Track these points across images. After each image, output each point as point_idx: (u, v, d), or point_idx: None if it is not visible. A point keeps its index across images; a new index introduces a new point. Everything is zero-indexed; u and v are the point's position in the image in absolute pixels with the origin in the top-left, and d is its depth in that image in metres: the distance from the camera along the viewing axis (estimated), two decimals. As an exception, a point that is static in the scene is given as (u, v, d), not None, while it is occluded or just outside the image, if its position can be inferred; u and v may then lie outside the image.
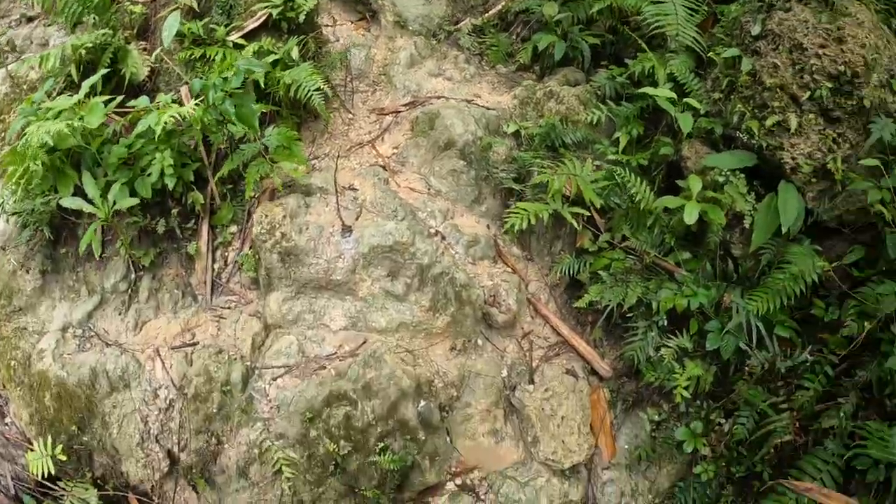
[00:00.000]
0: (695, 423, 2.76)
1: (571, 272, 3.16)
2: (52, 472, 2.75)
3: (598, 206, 3.08)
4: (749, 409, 2.67)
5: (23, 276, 3.09)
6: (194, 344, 2.87)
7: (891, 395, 2.50)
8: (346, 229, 2.99)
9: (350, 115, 3.48)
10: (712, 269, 2.91)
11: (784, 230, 2.61)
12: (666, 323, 2.91)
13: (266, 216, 2.93)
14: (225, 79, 2.53)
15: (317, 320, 2.94)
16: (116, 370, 2.87)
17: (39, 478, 2.74)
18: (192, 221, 3.09)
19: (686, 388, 2.77)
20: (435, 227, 3.20)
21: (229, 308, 3.02)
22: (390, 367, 2.75)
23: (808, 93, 2.65)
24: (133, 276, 3.03)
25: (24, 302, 3.05)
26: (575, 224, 3.07)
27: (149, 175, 2.80)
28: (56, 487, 2.75)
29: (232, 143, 2.97)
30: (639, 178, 3.01)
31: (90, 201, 2.82)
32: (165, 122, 2.66)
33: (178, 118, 2.73)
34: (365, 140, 3.40)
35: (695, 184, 2.83)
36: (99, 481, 2.90)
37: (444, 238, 3.19)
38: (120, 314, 2.99)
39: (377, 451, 2.69)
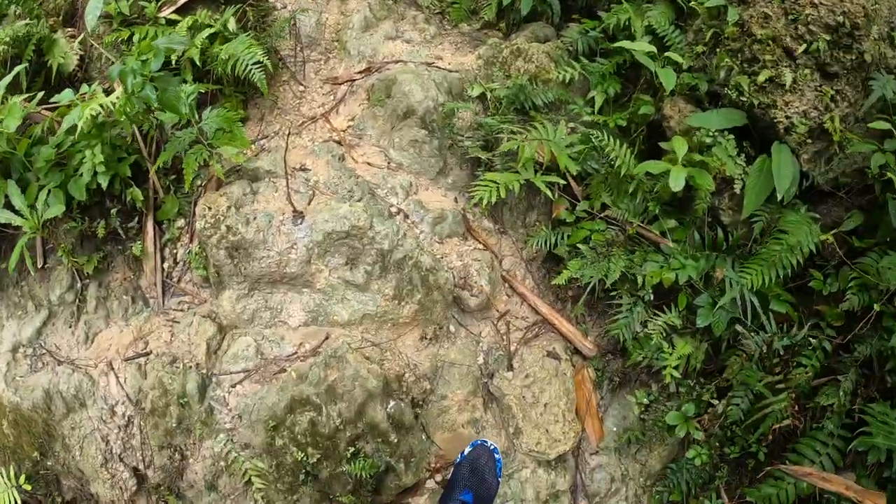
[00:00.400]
0: (686, 406, 2.58)
1: (548, 245, 2.93)
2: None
3: (575, 173, 2.82)
4: (743, 388, 2.49)
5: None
6: (147, 354, 2.65)
7: (892, 372, 2.31)
8: (298, 216, 2.73)
9: (301, 88, 3.17)
10: (700, 238, 2.68)
11: (780, 196, 2.36)
12: (652, 297, 2.70)
13: (209, 209, 2.67)
14: (144, 61, 2.22)
15: (274, 317, 2.71)
16: (70, 389, 2.65)
17: None
18: (136, 219, 2.82)
19: (676, 367, 2.58)
20: (397, 204, 2.95)
21: (182, 310, 2.79)
22: (353, 366, 2.54)
23: (804, 45, 2.36)
24: (79, 285, 2.79)
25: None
26: (549, 194, 2.82)
27: (81, 175, 2.52)
28: None
29: (162, 131, 2.68)
30: (618, 141, 2.74)
31: (18, 212, 2.56)
32: (90, 116, 2.37)
33: (104, 110, 2.44)
34: (318, 113, 3.11)
35: (680, 146, 2.56)
36: None
37: (407, 217, 2.94)
38: (70, 327, 2.76)
39: (348, 456, 2.50)
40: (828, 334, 2.43)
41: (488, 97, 3.06)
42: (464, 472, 2.58)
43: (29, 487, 2.64)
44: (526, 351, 2.85)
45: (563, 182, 2.85)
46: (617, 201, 2.83)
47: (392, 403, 2.56)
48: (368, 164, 3.07)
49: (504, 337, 2.89)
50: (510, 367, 2.82)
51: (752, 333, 2.39)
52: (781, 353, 2.38)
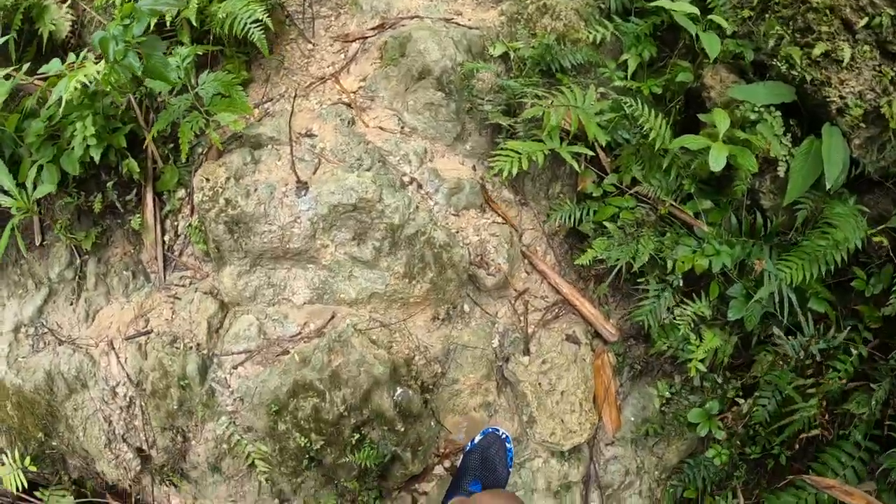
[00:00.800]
0: (710, 403, 2.43)
1: (572, 220, 2.73)
2: (25, 486, 2.56)
3: (604, 144, 2.59)
4: (771, 388, 2.32)
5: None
6: (148, 333, 2.56)
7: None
8: (302, 186, 2.57)
9: (310, 46, 2.94)
10: (738, 222, 2.46)
11: (829, 185, 2.11)
12: (682, 283, 2.51)
13: (207, 180, 2.52)
14: (126, 26, 2.03)
15: (277, 295, 2.59)
16: (71, 370, 2.59)
17: (15, 492, 2.55)
18: (134, 192, 2.68)
19: (702, 360, 2.41)
20: (410, 173, 2.75)
21: (184, 286, 2.68)
22: (359, 351, 2.42)
23: (865, 19, 2.06)
24: (78, 261, 2.68)
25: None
26: (576, 166, 2.59)
27: (73, 149, 2.38)
28: (32, 499, 2.56)
29: (153, 99, 2.51)
30: (652, 110, 2.49)
31: (7, 192, 2.44)
32: (76, 87, 2.20)
33: (92, 80, 2.26)
34: (327, 74, 2.88)
35: (721, 120, 2.31)
36: (77, 483, 2.70)
37: (420, 187, 2.75)
38: (71, 304, 2.67)
39: (353, 443, 2.42)
40: (864, 337, 2.22)
41: (511, 57, 2.80)
42: (474, 460, 2.48)
43: (35, 468, 2.62)
44: (544, 334, 2.70)
45: (590, 153, 2.62)
46: (648, 176, 2.60)
47: (399, 391, 2.45)
48: (380, 128, 2.86)
49: (521, 318, 2.73)
50: (527, 351, 2.67)
51: (789, 337, 2.19)
52: (816, 356, 2.18)
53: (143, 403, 2.53)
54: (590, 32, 2.71)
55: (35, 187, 2.43)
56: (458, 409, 2.62)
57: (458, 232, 2.72)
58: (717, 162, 2.28)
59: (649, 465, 2.58)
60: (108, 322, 2.62)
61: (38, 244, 2.64)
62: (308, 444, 2.41)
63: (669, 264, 2.48)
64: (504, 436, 2.52)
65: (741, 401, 2.37)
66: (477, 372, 2.63)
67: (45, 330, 2.64)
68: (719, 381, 2.44)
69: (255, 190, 2.54)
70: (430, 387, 2.59)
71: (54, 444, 2.66)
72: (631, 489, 2.58)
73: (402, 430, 2.44)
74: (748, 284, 2.38)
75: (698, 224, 2.49)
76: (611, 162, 2.72)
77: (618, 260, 2.54)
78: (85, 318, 2.63)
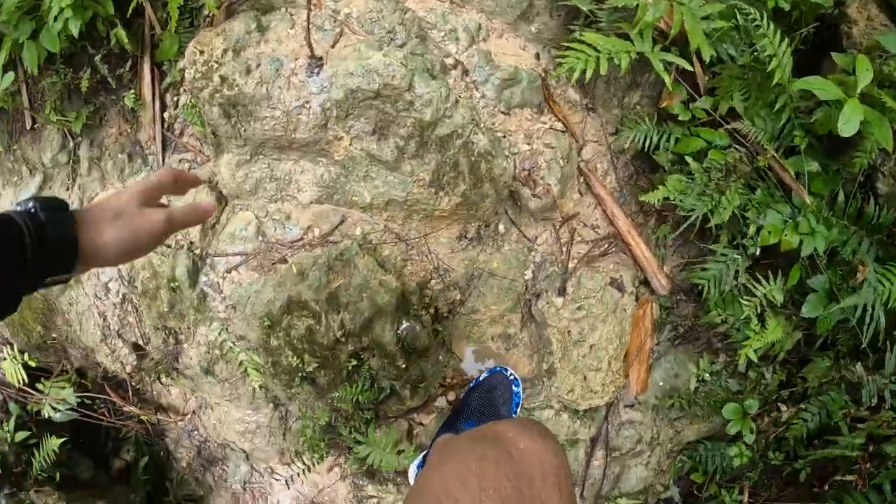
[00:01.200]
0: (749, 401, 2.12)
1: (647, 143, 2.21)
2: (26, 380, 2.49)
3: (706, 59, 1.98)
4: (819, 406, 1.98)
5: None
6: (140, 224, 2.28)
7: None
8: (316, 63, 2.08)
9: None
10: (844, 200, 1.92)
11: None
12: (759, 253, 2.06)
13: (200, 53, 2.04)
14: None
15: (281, 190, 2.24)
16: (63, 263, 2.38)
17: (18, 385, 2.49)
18: (129, 63, 2.22)
19: (756, 350, 2.06)
20: (455, 55, 2.22)
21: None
22: (363, 274, 2.12)
23: None
24: (71, 144, 2.32)
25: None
26: (667, 80, 2.02)
27: (54, 22, 1.91)
28: (34, 393, 2.50)
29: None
30: (775, 29, 1.86)
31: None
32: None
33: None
34: None
35: (863, 71, 1.71)
36: (79, 374, 2.62)
37: (466, 73, 2.23)
38: (67, 190, 2.37)
39: (350, 368, 2.22)
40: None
41: None
42: (475, 399, 2.29)
43: (34, 363, 2.55)
44: (586, 273, 2.33)
45: (687, 66, 2.02)
46: (751, 111, 2.03)
47: (405, 325, 2.18)
48: (427, -9, 2.25)
49: (565, 249, 2.35)
50: (562, 291, 2.33)
51: (869, 378, 1.79)
52: (887, 401, 1.81)
53: (136, 301, 2.34)
54: None
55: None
56: (473, 337, 2.38)
57: (504, 136, 2.25)
58: (848, 124, 1.73)
59: (664, 438, 2.36)
60: (101, 208, 2.34)
61: (28, 128, 2.28)
62: (301, 365, 2.23)
63: (752, 229, 2.02)
64: (512, 377, 2.29)
65: (783, 406, 2.07)
66: (501, 304, 2.34)
67: (41, 220, 2.38)
68: (766, 376, 2.11)
69: (258, 65, 2.07)
70: (446, 314, 2.32)
71: (54, 336, 2.55)
72: (640, 458, 2.39)
73: (404, 366, 2.22)
74: (834, 279, 1.92)
75: (799, 190, 1.97)
76: (707, 80, 2.13)
77: (692, 210, 2.08)
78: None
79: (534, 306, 2.35)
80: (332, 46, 2.13)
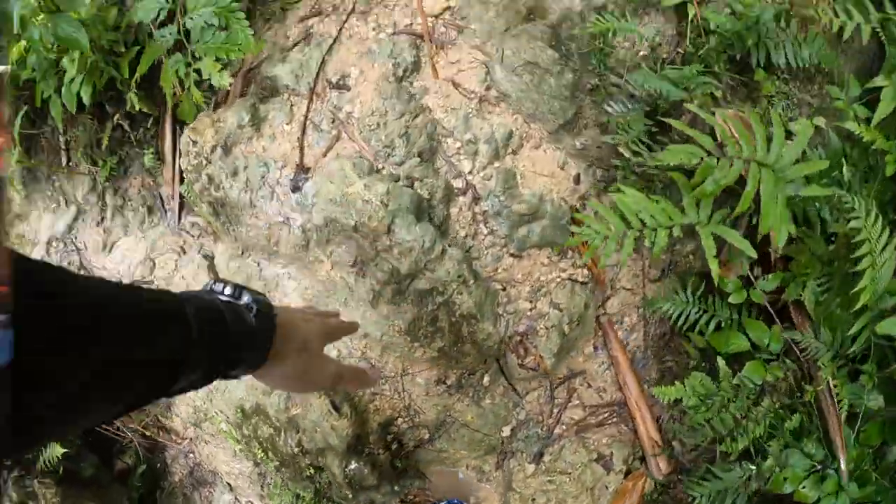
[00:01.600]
0: None
1: (684, 321, 1.76)
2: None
3: (780, 244, 1.46)
4: None
5: (12, 182, 2.64)
6: (150, 283, 2.34)
7: None
8: (301, 175, 1.91)
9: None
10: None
11: None
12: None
13: (194, 143, 1.94)
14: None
15: (268, 291, 2.13)
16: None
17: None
18: (151, 121, 2.22)
19: None
20: (468, 174, 1.89)
21: (194, 235, 2.31)
22: (318, 412, 1.98)
23: None
24: (100, 187, 2.41)
25: (19, 209, 2.64)
26: (714, 269, 1.52)
27: (71, 83, 1.97)
28: None
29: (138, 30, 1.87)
30: (879, 219, 1.32)
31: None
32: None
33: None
34: (405, -19, 1.92)
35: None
36: None
37: (476, 201, 1.91)
38: (98, 225, 2.48)
39: (309, 474, 2.12)
40: None
41: (690, 20, 1.59)
42: None
43: None
44: (570, 445, 1.98)
45: (752, 255, 1.50)
46: (824, 310, 1.50)
47: (353, 466, 2.02)
48: (454, 83, 1.91)
49: (556, 411, 1.99)
50: (538, 458, 1.99)
51: None
52: None
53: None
54: (832, 16, 1.38)
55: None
56: (446, 462, 2.15)
57: (505, 288, 1.92)
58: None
59: None
60: (122, 256, 2.42)
61: (64, 164, 2.40)
62: (265, 460, 2.18)
63: (767, 463, 1.53)
64: None
65: None
66: (472, 453, 2.08)
67: (73, 248, 2.52)
68: None
69: (245, 168, 1.94)
70: (412, 448, 2.11)
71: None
72: None
73: (350, 496, 2.07)
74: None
75: (842, 447, 1.42)
76: (780, 250, 1.59)
77: (703, 439, 1.63)
78: (104, 247, 2.46)
79: (505, 462, 2.04)
80: (324, 154, 1.93)
